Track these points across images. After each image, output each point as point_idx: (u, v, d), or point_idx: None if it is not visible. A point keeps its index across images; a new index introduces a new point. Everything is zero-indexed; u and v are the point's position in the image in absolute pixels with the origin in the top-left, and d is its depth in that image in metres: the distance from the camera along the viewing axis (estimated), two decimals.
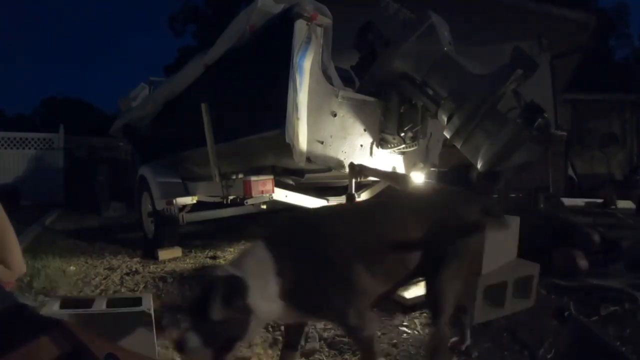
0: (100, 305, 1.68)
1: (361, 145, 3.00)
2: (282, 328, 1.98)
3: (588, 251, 2.66)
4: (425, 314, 2.15)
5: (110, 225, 6.13)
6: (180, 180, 4.25)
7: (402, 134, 3.04)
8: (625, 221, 4.44)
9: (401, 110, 3.08)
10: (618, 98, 9.84)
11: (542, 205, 5.01)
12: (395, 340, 1.87)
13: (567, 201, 5.53)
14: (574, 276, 2.51)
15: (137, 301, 1.75)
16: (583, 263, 2.56)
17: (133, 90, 5.53)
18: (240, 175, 3.07)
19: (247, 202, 3.06)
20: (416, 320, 2.07)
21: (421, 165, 3.43)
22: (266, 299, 1.24)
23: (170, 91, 3.95)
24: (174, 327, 1.94)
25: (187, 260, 3.74)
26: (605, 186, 6.98)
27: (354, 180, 2.88)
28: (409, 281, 1.65)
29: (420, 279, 1.62)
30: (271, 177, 2.92)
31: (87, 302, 1.71)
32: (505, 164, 2.72)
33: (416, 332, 1.96)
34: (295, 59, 2.45)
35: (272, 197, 2.94)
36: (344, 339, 1.91)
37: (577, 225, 2.86)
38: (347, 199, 2.93)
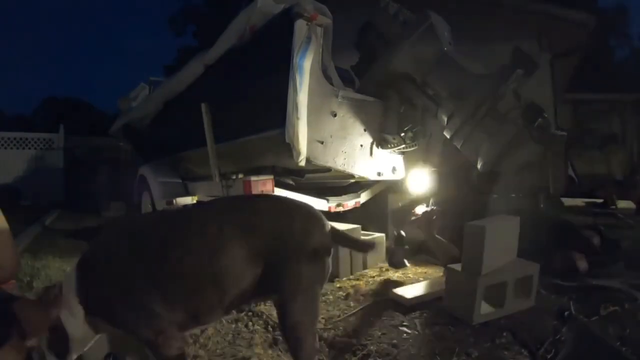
0: None
1: (361, 145, 3.01)
2: None
3: (588, 253, 2.67)
4: (425, 314, 2.15)
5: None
6: (180, 180, 4.26)
7: (402, 134, 3.04)
8: (625, 221, 4.44)
9: (401, 110, 3.08)
10: (618, 98, 9.83)
11: (542, 205, 5.01)
12: (395, 340, 1.87)
13: (567, 201, 5.53)
14: (574, 277, 2.51)
15: None
16: (582, 265, 2.57)
17: (133, 90, 5.55)
18: (240, 175, 3.07)
19: None
20: (416, 320, 2.07)
21: (421, 165, 3.43)
22: (77, 324, 1.29)
23: (170, 91, 3.95)
24: None
25: None
26: (605, 186, 6.97)
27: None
28: (240, 303, 1.43)
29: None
30: (271, 177, 2.93)
31: None
32: (505, 164, 2.73)
33: (416, 332, 1.96)
34: (295, 59, 2.45)
35: None
36: (344, 339, 1.91)
37: (577, 228, 2.87)
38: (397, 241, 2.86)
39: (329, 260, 1.39)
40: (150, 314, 1.27)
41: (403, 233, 2.84)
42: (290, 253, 1.30)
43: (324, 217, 1.42)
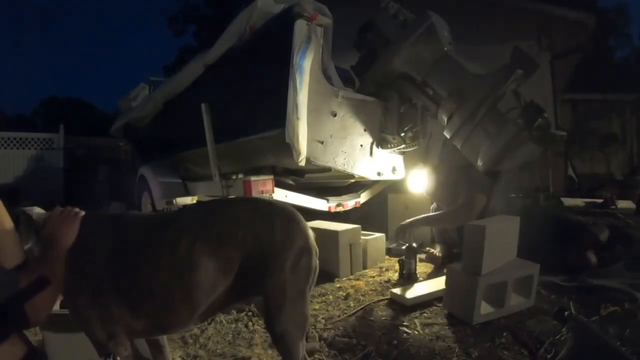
0: None
1: (361, 145, 3.01)
2: None
3: (596, 247, 2.73)
4: (425, 314, 2.15)
5: None
6: (180, 180, 4.26)
7: (402, 134, 3.04)
8: (625, 221, 4.43)
9: (401, 110, 3.09)
10: (618, 98, 9.83)
11: (542, 205, 5.02)
12: (395, 341, 1.87)
13: (567, 201, 5.52)
14: (586, 271, 2.56)
15: None
16: (593, 259, 2.64)
17: (133, 90, 5.54)
18: (240, 175, 3.08)
19: None
20: (416, 320, 2.07)
21: (421, 165, 3.44)
22: None
23: (170, 91, 3.95)
24: None
25: None
26: (605, 186, 6.97)
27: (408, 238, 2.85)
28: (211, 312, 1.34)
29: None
30: (271, 177, 2.93)
31: None
32: (505, 164, 2.73)
33: (416, 332, 1.96)
34: (295, 59, 2.45)
35: (272, 197, 2.95)
36: (344, 339, 1.91)
37: (585, 224, 2.90)
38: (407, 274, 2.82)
39: (315, 260, 1.33)
40: (108, 316, 1.23)
41: (415, 245, 2.83)
42: (272, 262, 1.24)
43: (303, 219, 1.36)
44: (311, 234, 1.35)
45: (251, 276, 1.24)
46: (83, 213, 1.31)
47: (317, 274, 1.37)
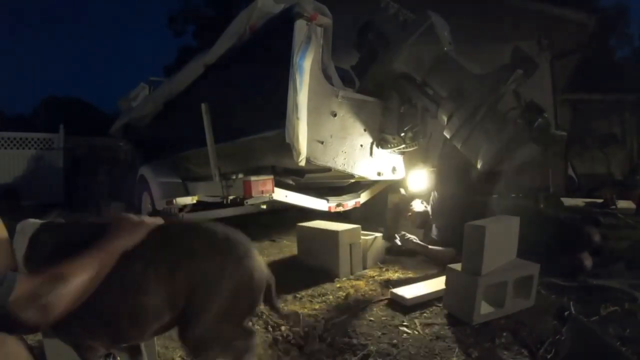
0: None
1: (361, 145, 3.01)
2: (282, 328, 1.99)
3: (590, 250, 2.71)
4: (425, 314, 2.15)
5: None
6: (180, 180, 4.27)
7: (402, 134, 3.05)
8: (625, 221, 4.44)
9: (401, 110, 3.09)
10: (618, 98, 9.82)
11: (542, 205, 5.02)
12: (395, 341, 1.87)
13: (567, 201, 5.53)
14: (580, 275, 2.54)
15: None
16: (588, 262, 2.62)
17: (133, 90, 5.55)
18: (240, 175, 3.08)
19: (247, 202, 3.06)
20: (416, 320, 2.07)
21: (421, 165, 3.44)
22: None
23: (170, 91, 3.96)
24: None
25: None
26: (605, 186, 6.97)
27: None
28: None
29: None
30: (271, 177, 2.93)
31: None
32: (505, 164, 2.73)
33: (416, 332, 1.95)
34: (295, 59, 2.45)
35: (272, 197, 2.95)
36: (344, 339, 1.91)
37: (578, 227, 2.89)
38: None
39: (260, 297, 1.29)
40: (67, 332, 1.21)
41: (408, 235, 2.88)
42: (209, 294, 1.19)
43: (259, 257, 1.30)
44: (266, 271, 1.30)
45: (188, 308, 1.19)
46: (152, 221, 1.26)
47: (256, 307, 1.33)
